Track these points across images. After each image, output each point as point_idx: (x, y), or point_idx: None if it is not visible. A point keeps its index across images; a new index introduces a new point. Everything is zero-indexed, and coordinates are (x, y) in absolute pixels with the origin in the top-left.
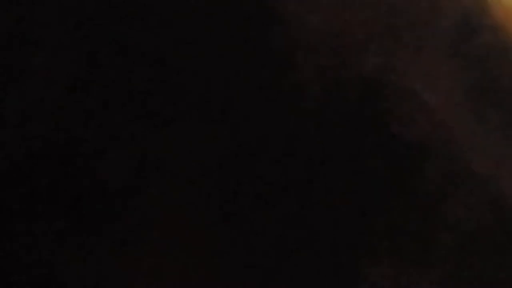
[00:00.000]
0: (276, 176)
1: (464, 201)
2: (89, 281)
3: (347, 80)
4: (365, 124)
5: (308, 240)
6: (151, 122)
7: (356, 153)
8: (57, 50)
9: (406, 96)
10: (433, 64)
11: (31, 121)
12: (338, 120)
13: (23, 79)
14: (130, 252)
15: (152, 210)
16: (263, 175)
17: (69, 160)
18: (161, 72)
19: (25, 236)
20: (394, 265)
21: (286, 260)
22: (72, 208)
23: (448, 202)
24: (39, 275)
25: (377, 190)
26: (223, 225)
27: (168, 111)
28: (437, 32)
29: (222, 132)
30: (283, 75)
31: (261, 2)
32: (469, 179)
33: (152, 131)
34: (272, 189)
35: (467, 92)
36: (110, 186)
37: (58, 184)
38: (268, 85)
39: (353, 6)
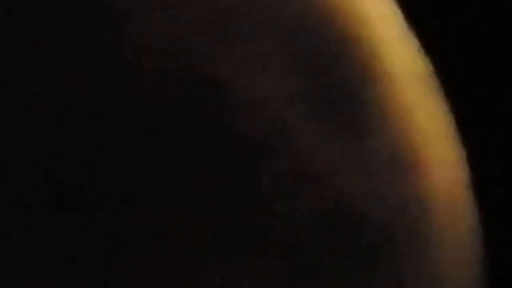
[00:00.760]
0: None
1: (303, 199)
2: None
3: (185, 81)
4: (205, 123)
5: (137, 244)
6: None
7: (195, 153)
8: None
9: (244, 93)
10: (267, 60)
11: None
12: (177, 121)
13: None
14: None
15: None
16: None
17: None
18: None
19: None
20: (225, 263)
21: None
22: None
23: (286, 200)
24: None
25: (216, 190)
26: None
27: None
28: (273, 28)
29: None
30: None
31: None
32: (309, 176)
33: None
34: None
35: (307, 92)
36: None
37: None
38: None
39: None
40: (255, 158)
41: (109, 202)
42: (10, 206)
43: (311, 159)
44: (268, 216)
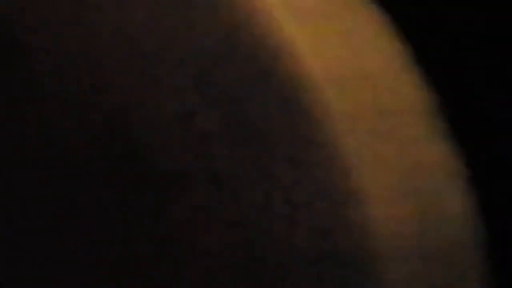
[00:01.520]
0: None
1: (219, 233)
2: None
3: (92, 119)
4: (118, 160)
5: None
6: None
7: (113, 189)
8: None
9: (157, 127)
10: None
11: None
12: (86, 159)
13: None
14: None
15: None
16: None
17: None
18: None
19: None
20: None
21: None
22: None
23: (206, 233)
24: None
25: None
26: None
27: None
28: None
29: None
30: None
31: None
32: (226, 210)
33: None
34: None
35: (221, 119)
36: None
37: None
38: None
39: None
40: (174, 190)
41: None
42: None
43: (235, 190)
44: (185, 249)
